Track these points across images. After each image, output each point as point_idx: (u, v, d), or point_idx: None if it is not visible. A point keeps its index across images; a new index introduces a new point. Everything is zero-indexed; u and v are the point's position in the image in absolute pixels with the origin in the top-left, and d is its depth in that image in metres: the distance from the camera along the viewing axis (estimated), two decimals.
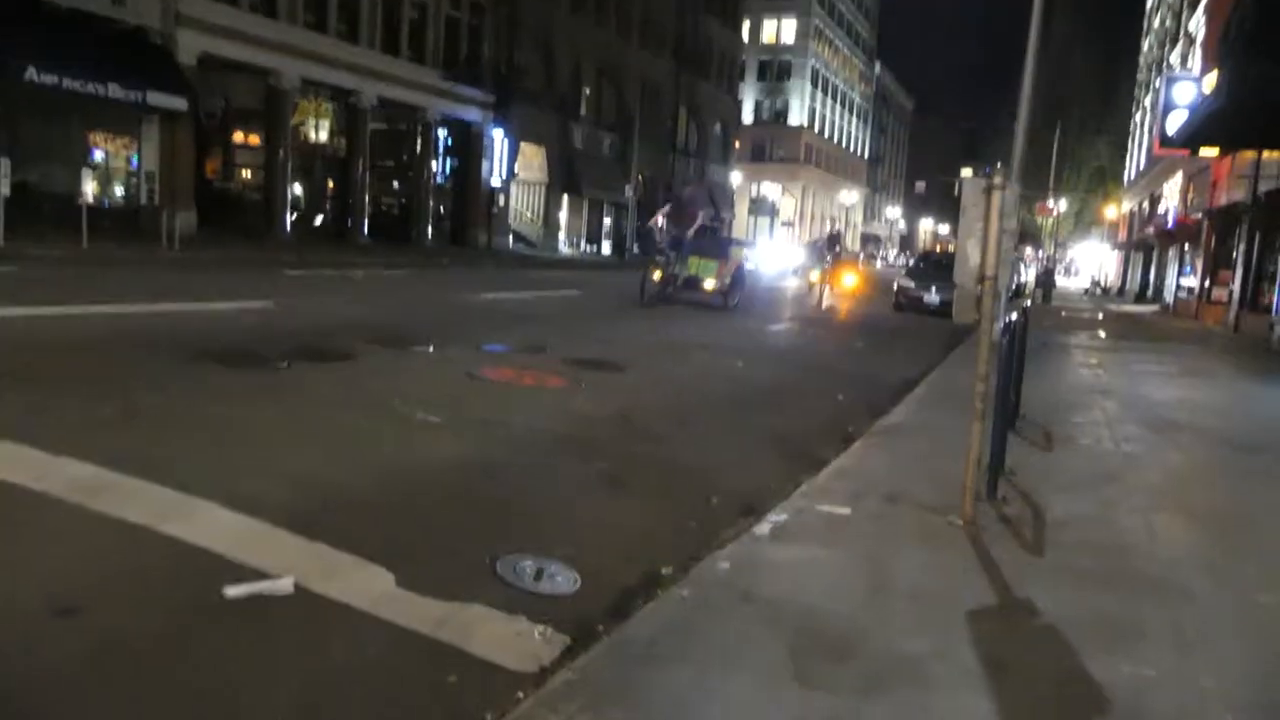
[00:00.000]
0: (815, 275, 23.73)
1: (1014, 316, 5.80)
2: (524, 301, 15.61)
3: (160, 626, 3.05)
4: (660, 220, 18.35)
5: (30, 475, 4.14)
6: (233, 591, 3.26)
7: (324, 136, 29.87)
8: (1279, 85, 12.46)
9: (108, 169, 23.47)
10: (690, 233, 17.94)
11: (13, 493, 3.97)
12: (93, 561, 3.42)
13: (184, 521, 3.81)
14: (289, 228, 27.18)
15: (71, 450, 4.55)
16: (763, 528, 4.44)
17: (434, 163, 33.95)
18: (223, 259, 19.14)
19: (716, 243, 19.94)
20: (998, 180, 4.61)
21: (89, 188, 18.41)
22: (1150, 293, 41.07)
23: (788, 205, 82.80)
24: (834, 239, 25.85)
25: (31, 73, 19.22)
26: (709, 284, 17.72)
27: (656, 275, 17.21)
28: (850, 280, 25.55)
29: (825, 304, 21.93)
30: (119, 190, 23.78)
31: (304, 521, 3.98)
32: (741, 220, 75.77)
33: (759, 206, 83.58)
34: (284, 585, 3.34)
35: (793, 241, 35.97)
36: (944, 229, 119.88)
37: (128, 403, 5.66)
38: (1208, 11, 30.14)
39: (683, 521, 4.70)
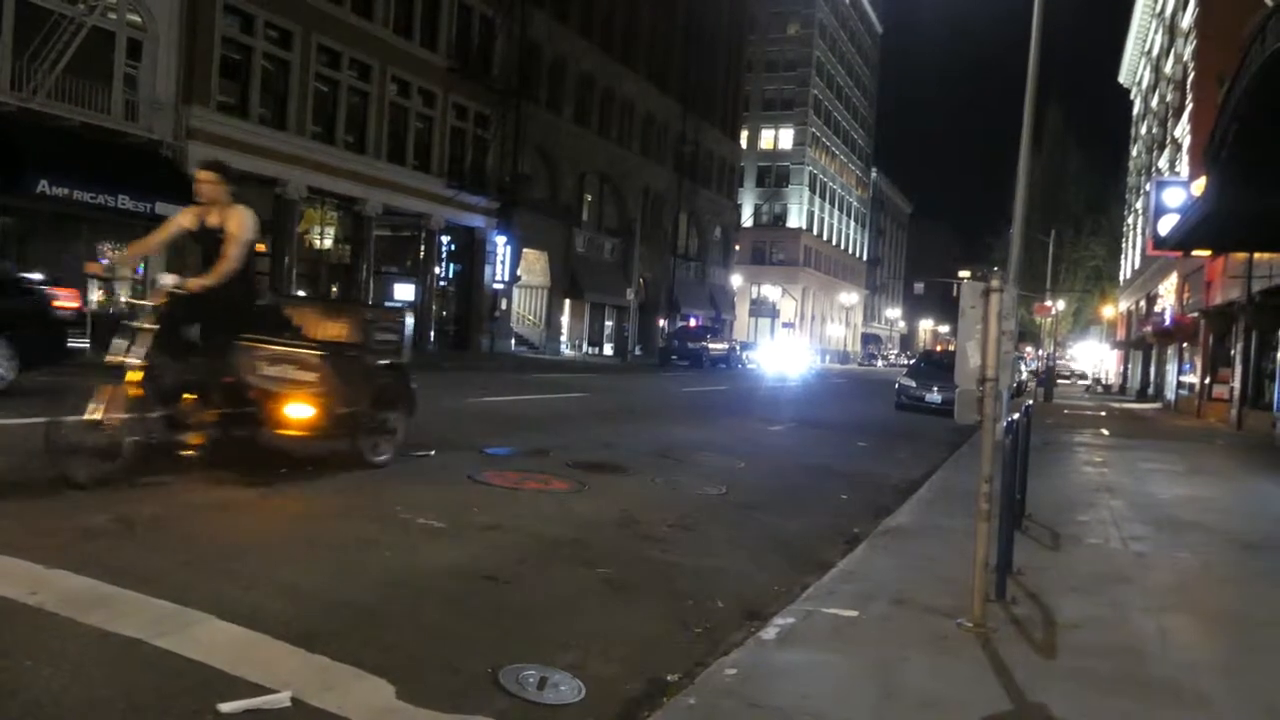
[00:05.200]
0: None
1: (1016, 415, 5.79)
2: (530, 403, 15.62)
3: None
4: None
5: (24, 589, 4.08)
6: (227, 708, 3.17)
7: (329, 243, 30.36)
8: (1268, 197, 12.71)
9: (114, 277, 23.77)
10: None
11: (6, 607, 3.90)
12: (86, 676, 3.34)
13: (179, 635, 3.74)
14: None
15: (66, 563, 4.50)
16: (769, 632, 4.36)
17: (437, 268, 34.45)
18: None
19: None
20: (995, 283, 4.65)
21: (94, 296, 18.64)
22: (1151, 390, 41.08)
23: (788, 306, 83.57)
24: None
25: (44, 185, 19.64)
26: None
27: None
28: (298, 413, 7.35)
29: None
30: (123, 298, 24.04)
31: (302, 632, 3.91)
32: (743, 322, 76.50)
33: (760, 308, 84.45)
34: (281, 700, 3.26)
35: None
36: (944, 329, 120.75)
37: (124, 513, 5.61)
38: (1192, 120, 30.82)
39: (688, 626, 4.62)
